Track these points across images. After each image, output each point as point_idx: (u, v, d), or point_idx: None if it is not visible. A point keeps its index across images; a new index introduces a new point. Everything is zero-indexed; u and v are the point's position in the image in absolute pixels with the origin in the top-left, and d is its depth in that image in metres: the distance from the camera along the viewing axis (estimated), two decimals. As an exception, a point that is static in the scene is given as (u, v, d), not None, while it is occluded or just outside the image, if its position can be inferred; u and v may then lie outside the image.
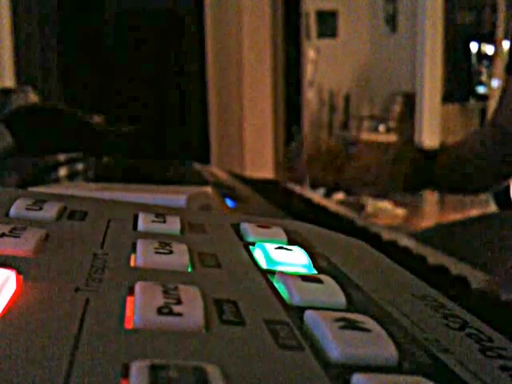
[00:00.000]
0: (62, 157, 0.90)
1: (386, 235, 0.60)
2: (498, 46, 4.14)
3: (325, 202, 0.83)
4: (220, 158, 3.39)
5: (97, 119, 1.18)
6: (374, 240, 0.54)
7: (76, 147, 0.94)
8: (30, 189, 0.39)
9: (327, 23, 4.87)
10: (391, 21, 4.80)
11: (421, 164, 0.79)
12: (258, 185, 0.87)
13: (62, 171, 0.85)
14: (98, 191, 0.41)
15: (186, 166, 0.95)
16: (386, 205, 3.31)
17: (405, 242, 0.59)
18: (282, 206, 0.65)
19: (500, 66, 3.93)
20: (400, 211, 3.44)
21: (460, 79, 4.45)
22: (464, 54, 4.44)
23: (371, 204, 3.18)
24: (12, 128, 0.90)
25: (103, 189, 0.43)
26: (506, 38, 4.06)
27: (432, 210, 3.93)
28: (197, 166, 0.97)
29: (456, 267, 0.52)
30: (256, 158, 3.38)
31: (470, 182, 0.87)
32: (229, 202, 0.59)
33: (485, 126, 0.89)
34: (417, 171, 0.79)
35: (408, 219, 3.41)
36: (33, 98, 1.16)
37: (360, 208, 3.05)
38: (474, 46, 4.38)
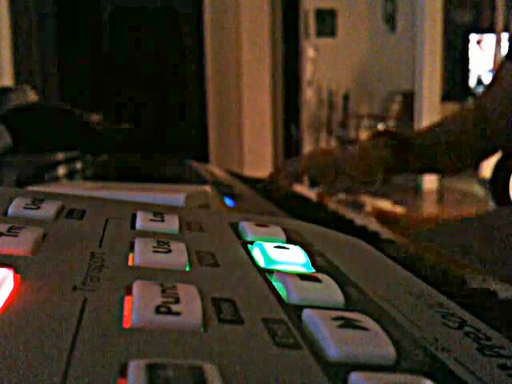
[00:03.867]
0: (60, 155, 0.89)
1: (385, 234, 0.60)
2: (497, 40, 4.14)
3: (324, 201, 0.83)
4: (219, 157, 3.39)
5: (95, 118, 1.18)
6: (372, 238, 0.54)
7: (74, 146, 0.94)
8: (29, 188, 0.39)
9: (326, 22, 4.87)
10: (390, 20, 4.80)
11: (397, 148, 0.80)
12: (256, 184, 0.87)
13: (61, 170, 0.85)
14: (96, 190, 0.41)
15: (185, 164, 0.95)
16: (385, 203, 3.31)
17: (402, 239, 0.58)
18: (281, 205, 0.65)
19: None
20: (399, 209, 3.43)
21: (459, 78, 4.45)
22: (463, 52, 4.44)
23: (370, 203, 3.18)
24: (10, 127, 0.90)
25: (102, 188, 0.43)
26: (505, 30, 4.06)
27: (430, 209, 3.94)
28: (195, 164, 0.97)
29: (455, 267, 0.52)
30: (255, 156, 3.38)
31: (446, 164, 0.89)
32: (227, 201, 0.59)
33: (467, 109, 0.90)
34: (394, 155, 0.80)
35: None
36: (31, 96, 1.16)
37: (359, 207, 3.04)
38: (473, 40, 4.38)
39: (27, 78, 3.13)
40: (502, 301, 0.33)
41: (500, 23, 4.21)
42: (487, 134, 0.83)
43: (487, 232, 0.71)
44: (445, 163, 0.88)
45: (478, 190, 3.88)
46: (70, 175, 0.85)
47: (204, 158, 3.14)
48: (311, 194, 0.83)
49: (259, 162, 3.34)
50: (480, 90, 4.38)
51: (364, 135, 4.54)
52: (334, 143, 4.93)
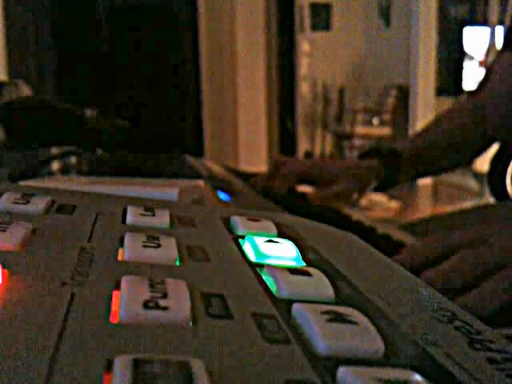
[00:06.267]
0: (55, 150, 0.89)
1: (380, 228, 0.60)
2: (492, 34, 4.14)
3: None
4: (214, 152, 3.38)
5: (90, 112, 1.17)
6: (366, 233, 0.54)
7: (69, 141, 0.94)
8: (22, 182, 0.39)
9: (321, 16, 4.86)
10: (385, 14, 4.80)
11: (387, 161, 0.80)
12: (252, 178, 0.87)
13: (55, 165, 0.85)
14: (89, 185, 0.41)
15: (179, 159, 0.95)
16: (380, 198, 3.31)
17: (398, 235, 0.59)
18: (275, 199, 0.65)
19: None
20: (394, 204, 3.44)
21: (453, 72, 4.45)
22: (457, 46, 4.44)
23: (365, 197, 3.18)
24: (3, 122, 0.90)
25: (95, 183, 0.43)
26: (499, 23, 4.06)
27: (426, 203, 3.94)
28: (190, 159, 0.96)
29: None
30: (250, 151, 3.38)
31: (441, 165, 0.89)
32: (222, 196, 0.59)
33: (461, 105, 0.90)
34: (384, 167, 0.80)
35: (402, 212, 3.42)
36: (25, 91, 1.16)
37: (354, 201, 3.04)
38: (467, 33, 4.38)
39: (21, 72, 3.12)
40: None
41: (494, 16, 4.21)
42: (485, 127, 0.83)
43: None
44: (442, 164, 0.88)
45: (473, 184, 3.89)
46: (65, 170, 0.85)
47: (199, 152, 3.14)
48: (307, 190, 0.83)
49: (254, 157, 3.33)
50: (472, 86, 4.38)
51: (359, 129, 4.54)
52: (329, 137, 4.93)
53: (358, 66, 4.98)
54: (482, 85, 0.86)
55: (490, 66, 0.87)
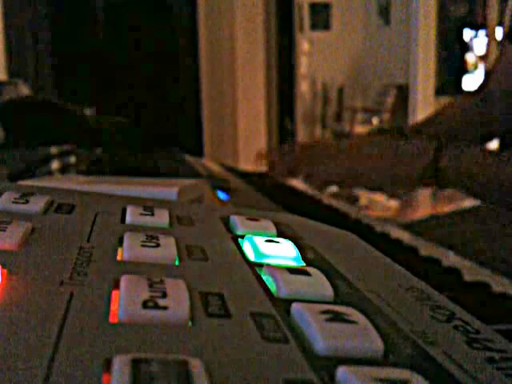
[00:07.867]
0: (54, 150, 0.89)
1: (379, 227, 0.60)
2: (490, 34, 4.14)
3: (318, 195, 0.83)
4: (213, 151, 3.38)
5: (89, 111, 1.17)
6: (366, 232, 0.54)
7: (69, 140, 0.94)
8: (21, 182, 0.39)
9: (320, 15, 4.85)
10: (385, 13, 4.79)
11: (397, 138, 0.80)
12: (250, 177, 0.87)
13: (54, 164, 0.85)
14: (88, 184, 0.41)
15: (179, 158, 0.95)
16: (379, 197, 3.31)
17: (397, 233, 0.59)
18: (274, 198, 0.65)
19: (492, 59, 3.92)
20: (393, 203, 3.44)
21: (453, 72, 4.45)
22: (457, 46, 4.44)
23: (365, 196, 3.19)
24: (3, 121, 0.90)
25: (94, 182, 0.43)
26: (499, 24, 4.05)
27: (425, 202, 3.94)
28: (189, 158, 0.96)
29: (448, 259, 0.52)
30: (249, 150, 3.38)
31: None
32: (221, 195, 0.59)
33: (463, 101, 0.90)
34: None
35: (401, 211, 3.41)
36: (24, 90, 1.16)
37: (353, 200, 3.05)
38: (467, 35, 4.38)
39: (21, 73, 3.11)
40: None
41: (493, 17, 4.20)
42: (485, 125, 0.83)
43: (485, 225, 0.71)
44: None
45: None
46: (64, 170, 0.85)
47: (198, 151, 3.14)
48: (303, 186, 0.83)
49: (253, 156, 3.33)
50: (471, 85, 4.38)
51: (358, 128, 4.54)
52: (328, 137, 4.93)
53: (358, 66, 4.98)
54: (483, 83, 0.86)
55: (495, 59, 0.87)
